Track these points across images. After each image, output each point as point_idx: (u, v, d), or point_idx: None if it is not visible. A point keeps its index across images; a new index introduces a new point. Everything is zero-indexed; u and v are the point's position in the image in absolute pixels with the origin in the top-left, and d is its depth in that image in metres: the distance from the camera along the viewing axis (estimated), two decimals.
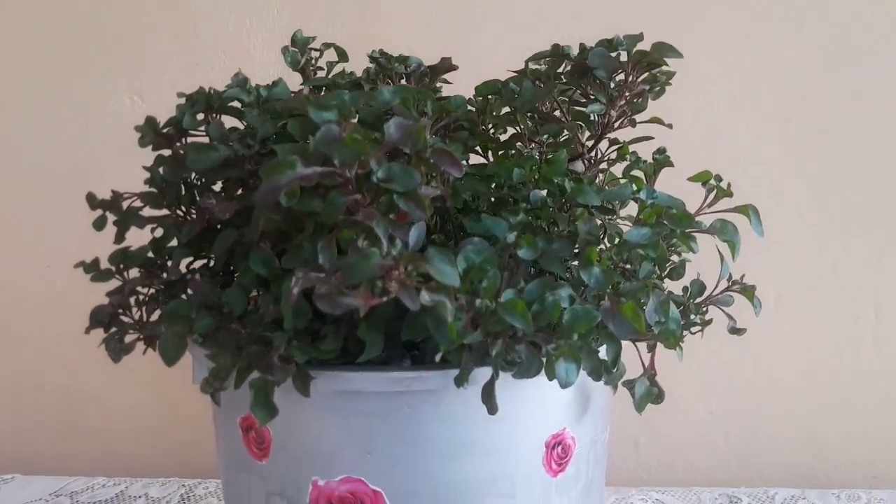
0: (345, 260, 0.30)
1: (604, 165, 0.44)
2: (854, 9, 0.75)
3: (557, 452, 0.42)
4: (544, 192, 0.38)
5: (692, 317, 0.40)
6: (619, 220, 0.41)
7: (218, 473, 0.47)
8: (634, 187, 0.39)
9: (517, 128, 0.43)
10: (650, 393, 0.38)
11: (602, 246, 0.37)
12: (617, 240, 0.36)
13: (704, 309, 0.41)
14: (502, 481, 0.40)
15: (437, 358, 0.32)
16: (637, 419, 0.82)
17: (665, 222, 0.36)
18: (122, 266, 0.43)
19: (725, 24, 0.76)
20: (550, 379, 0.37)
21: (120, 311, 0.43)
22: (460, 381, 0.36)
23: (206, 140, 0.41)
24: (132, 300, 0.43)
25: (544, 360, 0.35)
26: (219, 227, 0.41)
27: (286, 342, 0.33)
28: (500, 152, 0.43)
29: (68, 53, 0.80)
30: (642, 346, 0.41)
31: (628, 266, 0.38)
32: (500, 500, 0.40)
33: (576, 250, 0.35)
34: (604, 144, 0.44)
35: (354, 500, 0.39)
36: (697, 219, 0.40)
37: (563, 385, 0.33)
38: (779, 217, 0.78)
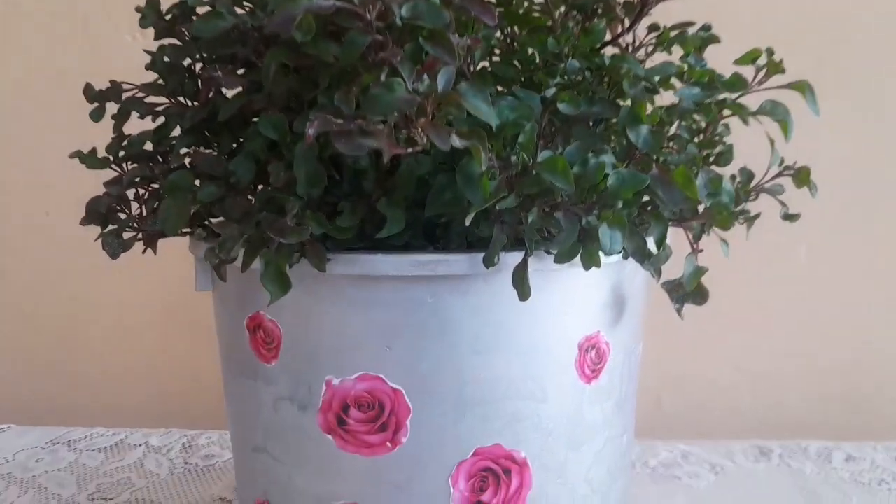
0: (366, 96, 0.26)
1: (641, 55, 0.41)
2: None
3: (591, 357, 0.39)
4: (578, 64, 0.34)
5: (742, 205, 0.37)
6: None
7: (223, 388, 0.44)
8: (678, 64, 0.36)
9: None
10: (699, 271, 0.35)
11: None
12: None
13: (754, 196, 0.37)
14: (533, 382, 0.37)
15: (468, 221, 0.29)
16: (659, 375, 0.80)
17: (717, 85, 0.33)
18: (120, 156, 0.40)
19: None
20: (588, 266, 0.34)
21: (118, 207, 0.40)
22: (489, 261, 0.32)
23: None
24: (131, 195, 0.40)
25: (601, 243, 0.31)
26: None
27: (300, 207, 0.30)
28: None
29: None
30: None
31: (672, 144, 0.34)
32: (530, 403, 0.37)
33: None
34: (642, 32, 0.41)
35: (372, 400, 0.36)
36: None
37: (608, 252, 0.30)
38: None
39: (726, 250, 0.38)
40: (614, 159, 0.31)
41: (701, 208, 0.33)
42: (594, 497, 0.41)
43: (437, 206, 0.32)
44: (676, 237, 0.37)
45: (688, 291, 0.38)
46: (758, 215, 0.38)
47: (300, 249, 0.33)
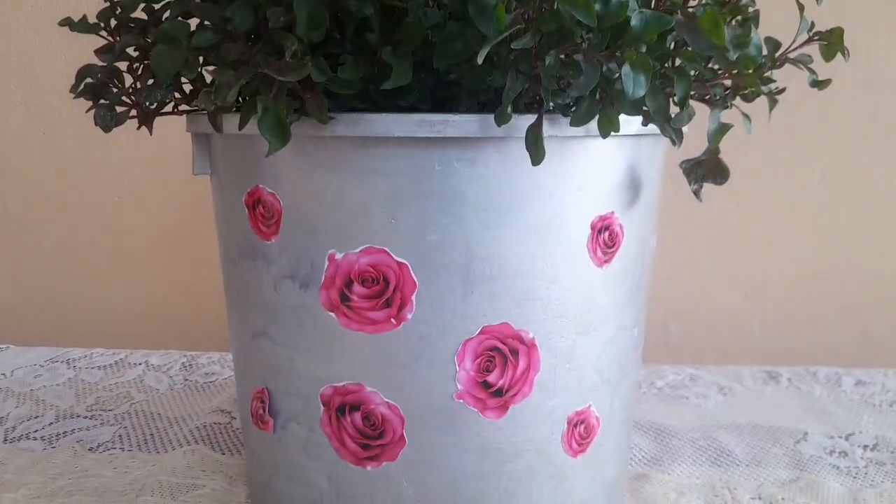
0: None
1: None
2: None
3: (604, 239, 0.37)
4: None
5: (768, 73, 0.35)
6: None
7: (221, 271, 0.42)
8: None
9: None
10: (723, 127, 0.33)
11: None
12: None
13: (779, 64, 0.35)
14: (543, 262, 0.35)
15: (480, 59, 0.27)
16: (667, 302, 0.78)
17: None
18: (112, 25, 0.38)
19: None
20: (605, 132, 0.32)
21: (110, 80, 0.38)
22: (502, 116, 0.30)
23: None
24: (125, 68, 0.38)
25: (625, 90, 0.29)
26: None
27: (300, 47, 0.28)
28: None
29: None
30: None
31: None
32: (540, 282, 0.36)
33: None
34: None
35: (376, 275, 0.35)
36: None
37: (631, 96, 0.28)
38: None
39: (748, 126, 0.36)
40: (637, 4, 0.29)
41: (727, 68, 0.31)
42: (603, 387, 0.39)
43: (446, 56, 0.30)
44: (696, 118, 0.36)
45: (707, 170, 0.36)
46: (783, 89, 0.36)
47: (300, 106, 0.31)
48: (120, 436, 0.56)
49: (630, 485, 0.48)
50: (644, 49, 0.28)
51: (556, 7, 0.27)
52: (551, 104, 0.30)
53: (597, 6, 0.28)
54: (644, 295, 0.42)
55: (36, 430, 0.57)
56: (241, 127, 0.32)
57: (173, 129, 0.72)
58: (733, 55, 0.30)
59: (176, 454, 0.52)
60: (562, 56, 0.28)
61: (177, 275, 0.81)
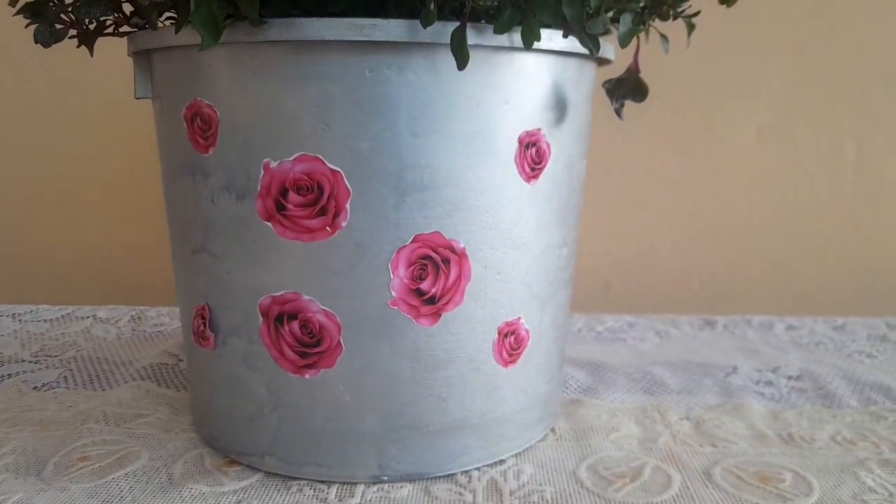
0: None
1: None
2: None
3: (532, 154, 0.39)
4: None
5: None
6: None
7: (163, 191, 0.43)
8: None
9: None
10: (634, 30, 0.35)
11: None
12: None
13: None
14: (472, 173, 0.37)
15: None
16: (608, 262, 0.81)
17: None
18: None
19: None
20: (528, 42, 0.34)
21: (51, 1, 0.38)
22: (427, 17, 0.32)
23: None
24: None
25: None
26: None
27: None
28: None
29: None
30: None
31: None
32: (469, 193, 0.37)
33: None
34: None
35: (311, 183, 0.36)
36: None
37: None
38: (764, 54, 0.75)
39: (666, 46, 0.38)
40: None
41: None
42: (533, 301, 0.41)
43: None
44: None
45: (628, 88, 0.38)
46: (697, 12, 0.38)
47: (234, 11, 0.32)
48: (65, 377, 0.56)
49: (564, 409, 0.50)
50: None
51: None
52: (472, 7, 0.32)
53: None
54: (572, 216, 0.44)
55: None
56: (177, 30, 0.33)
57: (118, 87, 0.72)
58: None
59: (121, 389, 0.53)
60: None
61: (124, 231, 0.81)
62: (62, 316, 0.71)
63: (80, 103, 0.78)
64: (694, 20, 0.39)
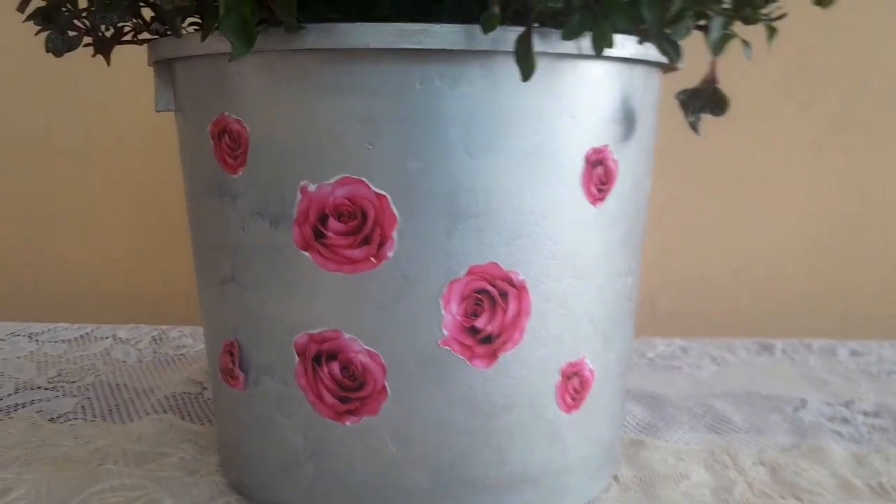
0: None
1: None
2: None
3: (599, 173, 0.34)
4: None
5: None
6: None
7: (186, 211, 0.39)
8: None
9: None
10: (726, 37, 0.30)
11: None
12: None
13: None
14: (533, 195, 0.33)
15: None
16: (653, 278, 0.76)
17: None
18: None
19: None
20: (599, 47, 0.30)
21: (62, 3, 0.35)
22: (489, 21, 0.28)
23: None
24: None
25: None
26: None
27: None
28: None
29: None
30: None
31: None
32: (530, 217, 0.33)
33: None
34: None
35: (353, 209, 0.32)
36: None
37: None
38: (812, 72, 0.70)
39: (749, 52, 0.33)
40: None
41: None
42: (596, 337, 0.37)
43: None
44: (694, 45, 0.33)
45: (705, 99, 0.34)
46: (783, 15, 0.33)
47: (267, 16, 0.28)
48: (83, 406, 0.52)
49: (625, 450, 0.45)
50: None
51: None
52: (539, 11, 0.28)
53: None
54: (637, 241, 0.39)
55: None
56: (203, 37, 0.29)
57: (138, 98, 0.68)
58: None
59: (143, 423, 0.49)
60: None
61: (145, 246, 0.77)
62: (81, 336, 0.67)
63: (100, 116, 0.75)
64: (776, 24, 0.34)
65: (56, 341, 0.66)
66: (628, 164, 0.36)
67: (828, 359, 0.63)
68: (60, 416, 0.51)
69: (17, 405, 0.52)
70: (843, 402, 0.53)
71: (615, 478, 0.42)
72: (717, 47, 0.30)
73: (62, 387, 0.56)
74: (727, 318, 0.76)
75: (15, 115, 0.76)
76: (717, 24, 0.29)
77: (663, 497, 0.40)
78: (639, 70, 0.35)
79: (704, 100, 0.35)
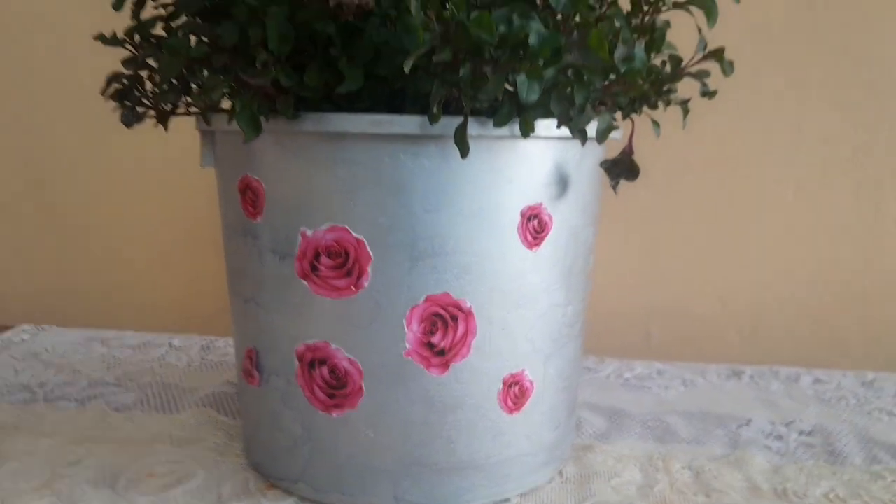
0: None
1: None
2: None
3: (534, 225, 0.44)
4: None
5: (666, 87, 0.41)
6: None
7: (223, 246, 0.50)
8: None
9: None
10: (609, 127, 0.39)
11: None
12: None
13: (680, 77, 0.42)
14: (478, 242, 0.42)
15: (406, 68, 0.34)
16: (650, 311, 0.84)
17: None
18: (136, 39, 0.46)
19: None
20: (525, 132, 0.39)
21: (134, 86, 0.46)
22: (433, 116, 0.38)
23: None
24: (146, 76, 0.47)
25: (519, 96, 0.36)
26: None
27: (268, 58, 0.36)
28: None
29: None
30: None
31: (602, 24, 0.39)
32: (475, 259, 0.42)
33: None
34: None
35: (339, 249, 0.42)
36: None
37: (525, 100, 0.35)
38: (797, 113, 0.78)
39: (657, 130, 0.42)
40: (541, 26, 0.36)
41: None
42: (535, 356, 0.46)
43: (390, 66, 0.38)
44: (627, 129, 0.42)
45: (621, 168, 0.43)
46: (688, 99, 0.42)
47: (273, 104, 0.39)
48: (141, 400, 0.64)
49: (575, 453, 0.54)
50: (542, 62, 0.35)
51: (467, 28, 0.34)
52: (474, 106, 0.37)
53: (501, 27, 0.35)
54: (578, 278, 0.48)
55: (70, 393, 0.65)
56: (229, 121, 0.40)
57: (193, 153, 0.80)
58: (622, 69, 0.37)
59: (187, 414, 0.60)
60: (474, 68, 0.35)
61: (200, 268, 0.90)
62: (143, 343, 0.79)
63: (162, 167, 0.88)
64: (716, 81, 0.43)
65: (123, 346, 0.78)
66: (564, 217, 0.45)
67: (789, 385, 0.70)
68: (123, 406, 0.62)
69: (90, 397, 0.64)
70: (784, 423, 0.61)
71: (560, 473, 0.51)
72: (602, 136, 0.39)
73: (126, 384, 0.68)
74: (715, 348, 0.84)
75: (94, 169, 0.90)
76: (603, 119, 0.39)
77: (594, 489, 0.49)
78: (573, 143, 0.45)
79: (622, 167, 0.44)
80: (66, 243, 0.93)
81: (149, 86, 0.47)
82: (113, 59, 0.46)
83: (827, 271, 0.81)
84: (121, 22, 0.47)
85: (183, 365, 0.73)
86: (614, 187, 0.44)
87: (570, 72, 0.37)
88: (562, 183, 0.45)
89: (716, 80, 0.44)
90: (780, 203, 0.81)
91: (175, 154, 0.87)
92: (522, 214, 0.43)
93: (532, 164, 0.43)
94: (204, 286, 0.90)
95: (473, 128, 0.39)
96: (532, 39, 0.35)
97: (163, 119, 0.47)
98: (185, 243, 0.90)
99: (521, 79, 0.34)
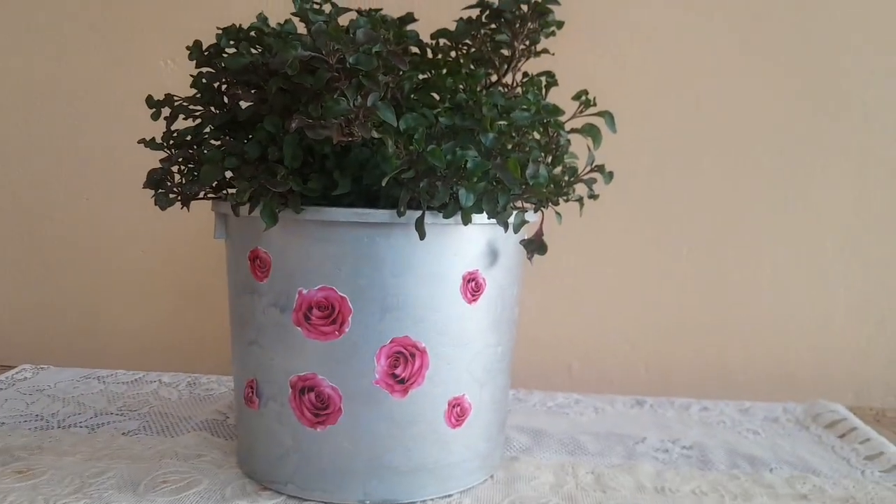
0: (326, 107, 0.47)
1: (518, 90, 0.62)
2: None
3: (472, 286, 0.59)
4: (465, 96, 0.56)
5: (566, 188, 0.58)
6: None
7: (229, 303, 0.64)
8: (530, 97, 0.57)
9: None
10: (523, 222, 0.55)
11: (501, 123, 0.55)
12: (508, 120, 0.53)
13: (575, 182, 0.58)
14: (431, 299, 0.57)
15: (384, 182, 0.49)
16: (572, 347, 1.00)
17: (542, 112, 0.54)
18: (170, 143, 0.60)
19: None
20: (465, 221, 0.55)
21: (166, 178, 0.60)
22: (399, 212, 0.53)
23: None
24: (175, 170, 0.61)
25: (459, 201, 0.52)
26: (240, 121, 0.59)
27: (286, 172, 0.51)
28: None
29: (113, 25, 0.99)
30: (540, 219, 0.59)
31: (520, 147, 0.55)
32: (429, 311, 0.57)
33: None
34: (518, 77, 0.62)
35: (327, 303, 0.56)
36: (571, 125, 0.58)
37: (464, 204, 0.50)
38: (689, 175, 0.96)
39: (559, 219, 0.58)
40: (476, 154, 0.51)
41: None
42: (474, 384, 0.61)
43: (371, 177, 0.53)
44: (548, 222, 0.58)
45: (534, 246, 0.59)
46: (581, 198, 0.59)
47: (285, 201, 0.53)
48: (143, 426, 0.76)
49: (504, 463, 0.69)
50: (476, 179, 0.51)
51: (426, 157, 0.49)
52: (429, 205, 0.53)
53: (449, 156, 0.50)
54: (506, 324, 0.63)
55: (80, 421, 0.77)
56: (250, 212, 0.55)
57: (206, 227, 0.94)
58: (531, 182, 0.53)
59: (187, 437, 0.73)
60: (430, 182, 0.50)
61: (186, 313, 1.02)
62: (135, 380, 0.91)
63: (174, 236, 1.01)
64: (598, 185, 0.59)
65: (118, 383, 0.90)
66: (495, 279, 0.61)
67: (681, 412, 0.86)
68: (130, 431, 0.74)
69: (98, 424, 0.76)
70: (672, 440, 0.76)
71: (492, 476, 0.65)
72: (517, 228, 0.54)
73: (128, 413, 0.80)
74: (626, 381, 1.00)
75: (100, 218, 1.02)
76: (518, 215, 0.54)
77: (518, 488, 0.63)
78: (499, 227, 0.60)
79: (535, 245, 0.59)
80: (59, 291, 1.04)
81: (178, 177, 0.61)
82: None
83: (716, 318, 0.98)
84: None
85: (175, 398, 0.85)
86: (530, 259, 0.60)
87: (495, 184, 0.53)
88: (492, 255, 0.60)
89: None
90: (675, 261, 0.98)
91: (188, 224, 1.00)
92: (464, 278, 0.58)
93: (471, 242, 0.58)
94: (187, 331, 1.02)
95: (429, 218, 0.54)
96: (469, 164, 0.50)
97: (186, 202, 0.61)
98: (177, 295, 1.02)
99: (462, 191, 0.50)
